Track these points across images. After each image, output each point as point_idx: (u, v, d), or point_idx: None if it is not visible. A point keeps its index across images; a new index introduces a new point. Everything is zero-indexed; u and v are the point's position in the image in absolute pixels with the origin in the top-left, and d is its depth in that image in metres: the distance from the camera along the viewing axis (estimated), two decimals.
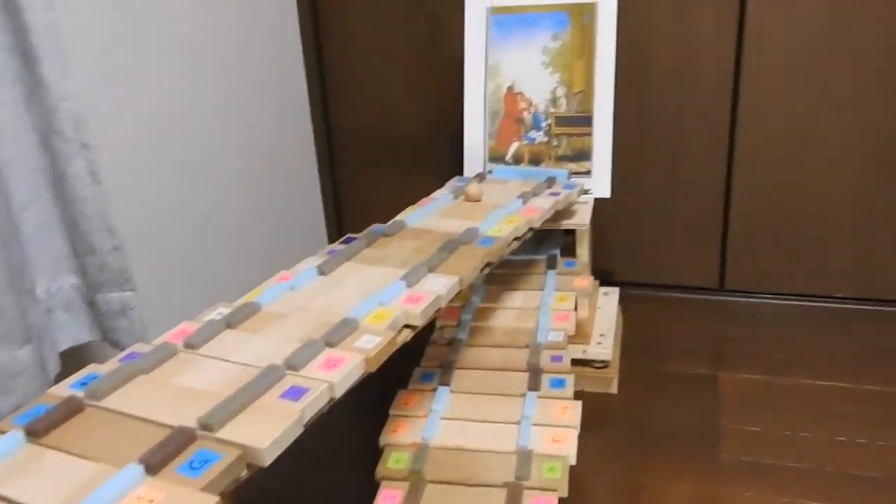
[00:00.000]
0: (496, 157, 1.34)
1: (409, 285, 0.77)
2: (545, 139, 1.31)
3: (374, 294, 0.74)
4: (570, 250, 1.25)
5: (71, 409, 0.54)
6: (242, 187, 1.37)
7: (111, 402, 0.56)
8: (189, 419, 0.52)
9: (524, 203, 1.08)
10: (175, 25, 1.16)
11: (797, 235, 1.47)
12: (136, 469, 0.46)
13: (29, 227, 0.81)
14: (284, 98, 1.55)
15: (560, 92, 1.30)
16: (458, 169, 1.39)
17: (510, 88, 1.33)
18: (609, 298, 1.37)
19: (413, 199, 1.14)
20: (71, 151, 0.80)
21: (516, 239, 0.98)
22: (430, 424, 0.87)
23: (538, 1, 1.30)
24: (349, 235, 0.96)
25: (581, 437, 0.88)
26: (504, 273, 1.20)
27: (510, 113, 1.33)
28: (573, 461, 0.82)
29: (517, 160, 1.33)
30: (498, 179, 1.26)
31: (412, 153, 1.64)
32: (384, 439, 0.86)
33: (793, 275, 1.50)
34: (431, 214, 1.03)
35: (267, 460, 0.50)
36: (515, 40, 1.32)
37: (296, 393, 0.57)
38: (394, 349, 0.69)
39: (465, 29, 1.34)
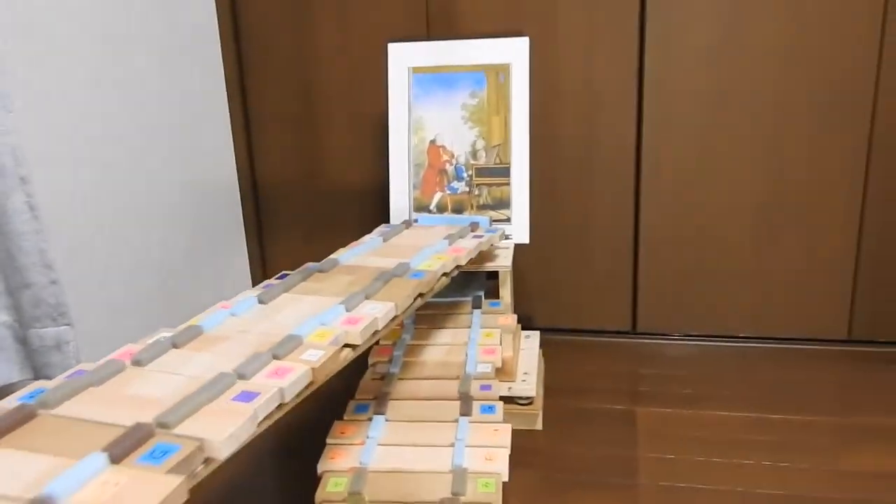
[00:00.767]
0: (421, 207, 1.41)
1: (348, 310, 0.81)
2: (467, 189, 1.39)
3: (314, 316, 0.78)
4: (493, 293, 1.32)
5: (23, 415, 0.55)
6: (171, 235, 1.39)
7: (64, 410, 0.57)
8: (146, 419, 0.54)
9: (451, 244, 1.14)
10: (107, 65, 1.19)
11: (700, 280, 1.59)
12: (100, 457, 0.48)
13: None
14: (211, 150, 1.58)
15: (479, 145, 1.39)
16: (383, 220, 1.45)
17: (433, 142, 1.41)
18: (530, 341, 1.43)
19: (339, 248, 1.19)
20: (10, 186, 0.81)
21: (444, 275, 1.03)
22: (367, 450, 0.89)
23: (456, 62, 1.40)
24: (284, 272, 0.99)
25: (509, 472, 0.92)
26: (432, 313, 1.25)
27: (433, 165, 1.41)
28: (506, 478, 0.86)
29: (441, 209, 1.40)
30: (423, 226, 1.33)
31: (336, 206, 1.70)
32: (322, 466, 0.88)
33: (698, 317, 1.61)
34: (363, 254, 1.08)
35: (224, 453, 0.53)
36: (436, 97, 1.41)
37: (247, 397, 0.59)
38: (337, 366, 0.72)
39: (389, 87, 1.43)
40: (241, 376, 0.63)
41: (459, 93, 1.40)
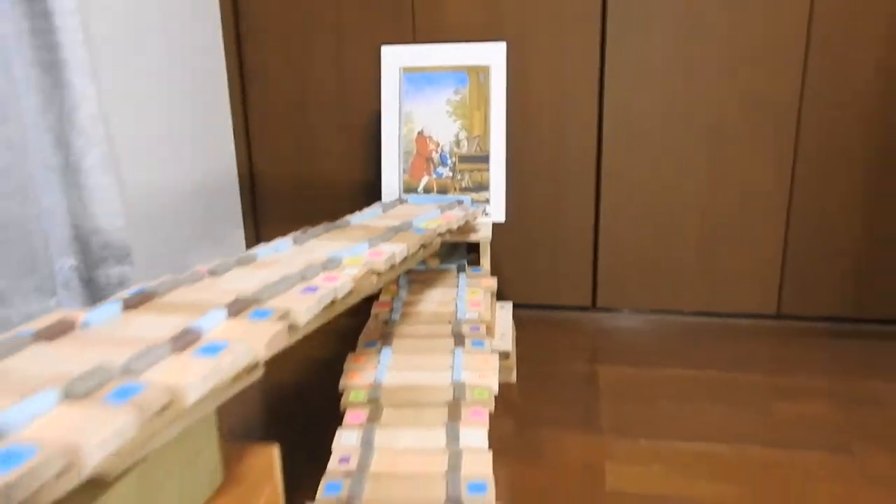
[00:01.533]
0: (409, 189, 1.59)
1: (371, 247, 0.99)
2: (450, 174, 1.59)
3: (345, 250, 0.96)
4: (474, 264, 1.51)
5: (143, 297, 0.72)
6: (175, 225, 1.55)
7: (177, 295, 0.74)
8: (245, 295, 0.71)
9: (442, 212, 1.33)
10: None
11: (652, 265, 1.80)
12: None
13: (43, 213, 0.97)
14: (213, 147, 1.75)
15: (462, 136, 1.59)
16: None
17: (420, 133, 1.60)
18: (504, 310, 1.63)
19: None
20: (89, 144, 0.98)
21: (440, 234, 1.22)
22: (380, 372, 1.07)
23: (442, 63, 1.60)
24: (304, 228, 1.16)
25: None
26: (423, 278, 1.43)
27: (421, 153, 1.60)
28: (496, 392, 1.04)
29: (427, 191, 1.59)
30: (415, 203, 1.51)
31: (329, 200, 1.87)
32: (343, 383, 1.05)
33: (649, 295, 1.82)
34: (368, 218, 1.26)
35: (303, 319, 0.70)
36: (424, 93, 1.60)
37: (312, 289, 0.77)
38: (368, 287, 0.90)
39: (382, 84, 1.62)
40: (304, 278, 0.80)
41: (444, 90, 1.60)
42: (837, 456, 1.21)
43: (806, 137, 1.68)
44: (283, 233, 1.09)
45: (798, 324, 1.78)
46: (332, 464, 0.88)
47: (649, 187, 1.76)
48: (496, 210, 1.57)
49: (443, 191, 1.59)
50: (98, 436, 0.45)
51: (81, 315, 0.65)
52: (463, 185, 1.59)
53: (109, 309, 0.67)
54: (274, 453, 0.79)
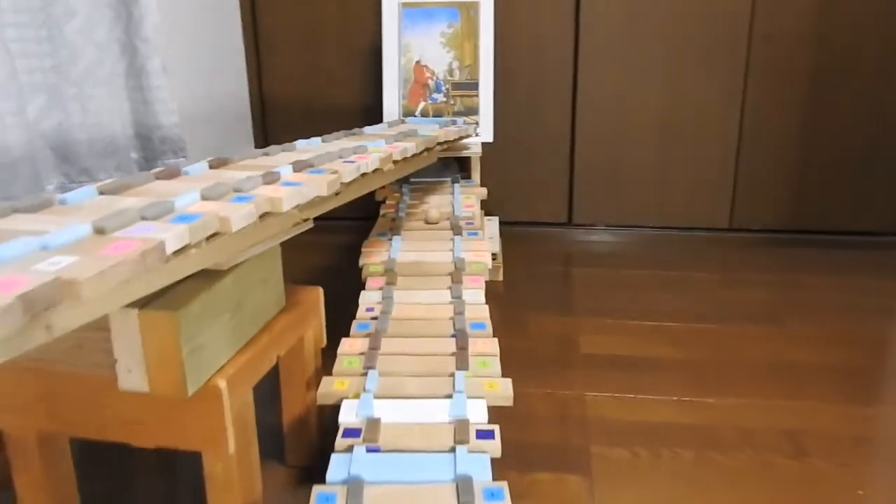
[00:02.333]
0: (407, 113, 1.77)
1: (387, 143, 1.18)
2: (444, 99, 1.77)
3: (368, 143, 1.14)
4: (465, 178, 1.70)
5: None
6: (192, 139, 1.72)
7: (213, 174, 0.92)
8: (229, 184, 0.90)
9: (441, 127, 1.52)
10: None
11: (620, 185, 2.01)
12: (195, 194, 0.72)
13: (111, 108, 1.14)
14: (227, 72, 1.91)
15: (455, 65, 1.77)
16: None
17: (418, 62, 1.78)
18: (491, 222, 1.83)
19: None
20: (150, 52, 1.15)
21: (439, 144, 1.41)
22: (392, 252, 1.26)
23: None
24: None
25: None
26: (422, 188, 1.62)
27: (418, 80, 1.78)
28: (489, 266, 1.24)
29: (423, 115, 1.77)
30: (414, 123, 1.70)
31: (334, 118, 2.05)
32: (362, 261, 1.25)
33: (618, 212, 2.03)
34: (378, 130, 1.44)
35: (347, 178, 0.89)
36: (421, 27, 1.77)
37: (350, 162, 0.96)
38: (390, 174, 1.09)
39: (383, 18, 1.78)
40: (341, 157, 0.99)
41: (439, 24, 1.77)
42: (770, 327, 1.44)
43: (755, 63, 1.88)
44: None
45: (747, 235, 2.00)
46: (360, 312, 1.08)
47: (617, 120, 1.95)
48: (485, 131, 1.76)
49: (438, 114, 1.77)
50: (238, 213, 0.64)
51: (182, 168, 0.84)
52: (455, 109, 1.77)
53: (202, 166, 0.86)
54: (319, 293, 0.99)
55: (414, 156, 1.23)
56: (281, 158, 0.97)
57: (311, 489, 0.69)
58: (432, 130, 1.44)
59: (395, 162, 1.12)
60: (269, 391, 0.98)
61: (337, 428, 0.80)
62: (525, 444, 1.06)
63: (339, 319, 1.06)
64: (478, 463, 0.75)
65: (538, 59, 1.93)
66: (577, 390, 1.21)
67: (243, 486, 0.78)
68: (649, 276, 1.73)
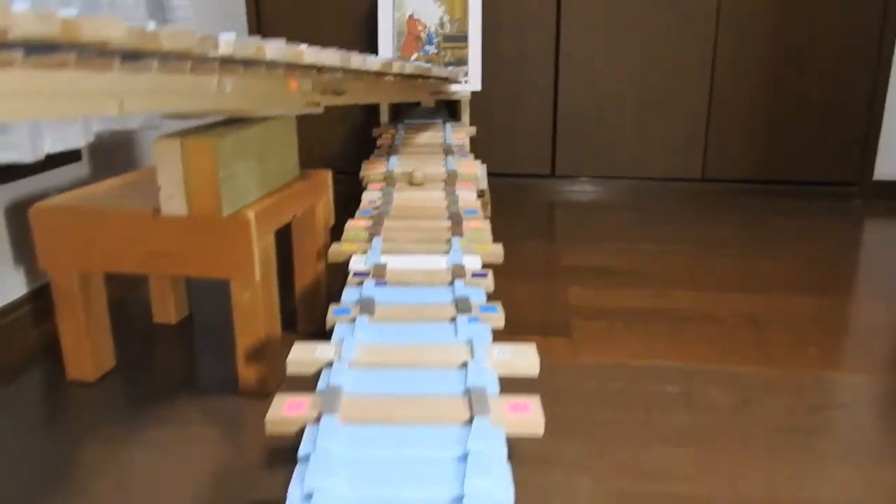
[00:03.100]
0: None
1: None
2: (436, 51, 1.87)
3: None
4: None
5: None
6: None
7: None
8: None
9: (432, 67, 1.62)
10: None
11: (599, 138, 2.12)
12: None
13: None
14: (229, 28, 2.01)
15: (445, 19, 1.87)
16: None
17: (411, 16, 1.88)
18: (479, 162, 1.92)
19: None
20: None
21: (434, 77, 1.51)
22: (390, 166, 1.36)
23: None
24: None
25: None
26: (416, 127, 1.72)
27: (411, 33, 1.88)
28: (479, 176, 1.34)
29: None
30: None
31: None
32: (362, 173, 1.34)
33: (598, 164, 2.14)
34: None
35: None
36: None
37: None
38: (390, 94, 1.19)
39: None
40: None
41: None
42: (737, 249, 1.55)
43: (725, 22, 2.00)
44: None
45: (719, 185, 2.12)
46: (363, 204, 1.17)
47: (597, 78, 2.07)
48: (474, 80, 1.86)
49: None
50: (271, 45, 0.74)
51: None
52: (446, 61, 1.87)
53: None
54: (328, 174, 1.08)
55: (409, 76, 1.32)
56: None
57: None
58: (427, 67, 1.54)
59: (393, 75, 1.22)
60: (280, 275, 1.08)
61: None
62: (515, 321, 1.16)
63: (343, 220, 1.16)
64: (475, 292, 0.85)
65: (524, 14, 2.05)
66: (561, 287, 1.31)
67: (266, 316, 0.87)
68: (627, 217, 1.84)
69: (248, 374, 0.89)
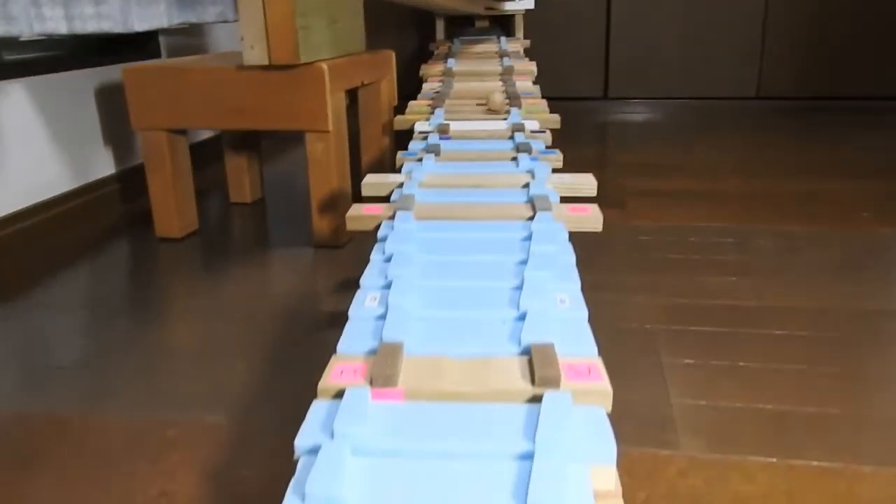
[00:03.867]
0: None
1: None
2: None
3: None
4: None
5: None
6: None
7: None
8: None
9: None
10: None
11: (651, 59, 2.11)
12: None
13: None
14: None
15: None
16: None
17: None
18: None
19: None
20: None
21: None
22: (448, 65, 1.40)
23: None
24: None
25: None
26: (470, 42, 1.75)
27: None
28: (534, 71, 1.37)
29: None
30: None
31: None
32: (423, 71, 1.38)
33: (649, 85, 2.14)
34: None
35: None
36: None
37: None
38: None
39: None
40: None
41: None
42: (793, 150, 1.55)
43: None
44: None
45: (775, 103, 2.09)
46: (424, 91, 1.22)
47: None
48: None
49: None
50: None
51: None
52: None
53: None
54: (392, 54, 1.13)
55: None
56: None
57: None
58: None
59: None
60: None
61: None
62: (567, 199, 1.19)
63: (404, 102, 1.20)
64: (535, 143, 0.89)
65: None
66: (614, 176, 1.34)
67: (338, 169, 0.92)
68: (680, 132, 1.84)
69: (321, 225, 0.95)
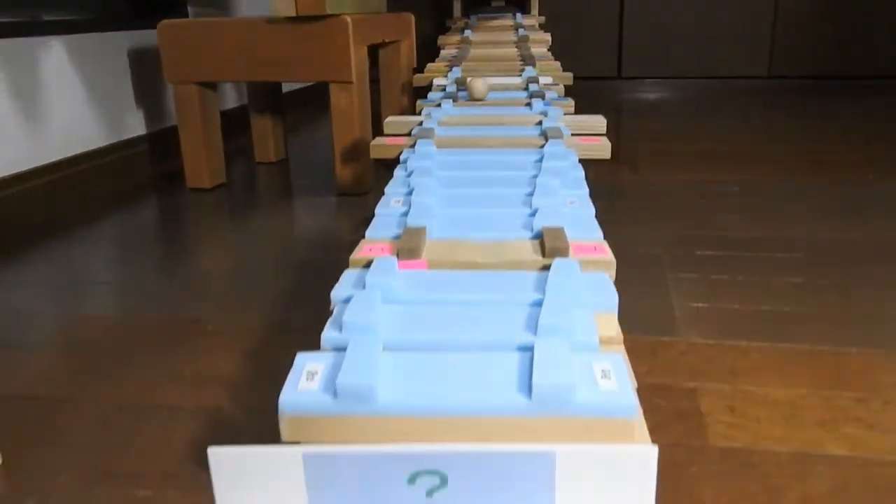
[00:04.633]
0: None
1: None
2: None
3: None
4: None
5: None
6: None
7: None
8: None
9: None
10: None
11: (664, 38, 2.14)
12: None
13: None
14: None
15: None
16: None
17: None
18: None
19: None
20: None
21: None
22: (465, 35, 1.44)
23: None
24: None
25: None
26: (486, 18, 1.79)
27: None
28: (549, 42, 1.41)
29: None
30: None
31: None
32: (441, 41, 1.42)
33: (662, 65, 2.16)
34: None
35: None
36: None
37: None
38: None
39: None
40: None
41: None
42: (809, 137, 1.57)
43: None
44: None
45: (786, 82, 2.11)
46: (441, 56, 1.26)
47: None
48: None
49: None
50: None
51: None
52: None
53: None
54: (412, 17, 1.17)
55: None
56: None
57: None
58: None
59: None
60: None
61: None
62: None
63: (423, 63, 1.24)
64: (548, 92, 0.92)
65: None
66: (627, 140, 1.37)
67: (360, 119, 0.96)
68: (693, 109, 1.86)
69: (344, 173, 0.99)
